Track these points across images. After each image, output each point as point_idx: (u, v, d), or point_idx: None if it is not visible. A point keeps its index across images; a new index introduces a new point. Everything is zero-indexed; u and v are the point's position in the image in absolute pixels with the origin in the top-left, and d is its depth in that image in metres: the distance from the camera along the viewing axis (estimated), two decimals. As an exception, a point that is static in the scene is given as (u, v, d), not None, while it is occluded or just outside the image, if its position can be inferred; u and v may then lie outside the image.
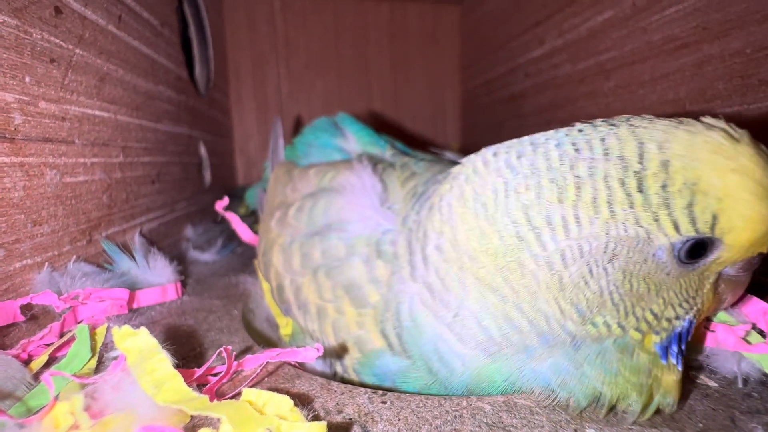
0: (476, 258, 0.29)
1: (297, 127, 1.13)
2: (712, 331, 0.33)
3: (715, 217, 0.25)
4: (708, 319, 0.34)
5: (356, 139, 0.56)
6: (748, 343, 0.32)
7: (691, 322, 0.28)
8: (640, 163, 0.25)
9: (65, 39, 0.44)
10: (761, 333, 0.32)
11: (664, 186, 0.25)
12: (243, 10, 1.23)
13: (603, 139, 0.27)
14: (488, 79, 1.16)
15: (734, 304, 0.34)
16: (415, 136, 1.36)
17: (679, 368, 0.28)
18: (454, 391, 0.33)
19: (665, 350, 0.28)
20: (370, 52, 1.31)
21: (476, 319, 0.30)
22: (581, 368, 0.28)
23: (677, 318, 0.28)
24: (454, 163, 0.35)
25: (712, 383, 0.31)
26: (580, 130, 0.28)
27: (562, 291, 0.27)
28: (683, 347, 0.28)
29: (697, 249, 0.26)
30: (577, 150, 0.27)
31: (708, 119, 0.27)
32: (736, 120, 0.27)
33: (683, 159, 0.25)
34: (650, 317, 0.27)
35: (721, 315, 0.34)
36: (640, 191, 0.25)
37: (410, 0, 1.30)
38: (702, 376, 0.32)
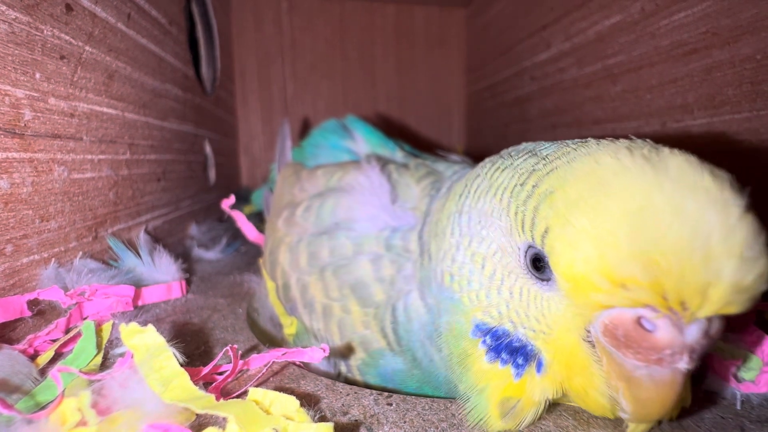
0: (440, 220, 0.34)
1: (304, 130, 1.14)
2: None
3: (546, 231, 0.23)
4: None
5: (365, 141, 0.56)
6: (737, 380, 0.31)
7: (526, 345, 0.26)
8: (543, 161, 0.26)
9: (75, 36, 0.44)
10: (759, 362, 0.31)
11: (534, 185, 0.25)
12: (250, 11, 1.23)
13: (541, 145, 0.29)
14: (494, 82, 1.15)
15: (738, 331, 0.33)
16: (420, 138, 1.36)
17: (500, 368, 0.26)
18: (438, 386, 0.34)
19: (484, 335, 0.27)
20: (376, 53, 1.31)
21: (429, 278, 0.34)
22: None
23: (510, 321, 0.26)
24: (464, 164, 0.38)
25: (720, 390, 0.31)
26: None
27: (443, 235, 0.33)
28: (519, 360, 0.26)
29: (538, 262, 0.24)
30: (518, 152, 0.30)
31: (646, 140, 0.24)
32: (746, 127, 0.27)
33: (568, 166, 0.24)
34: (482, 295, 0.28)
35: (718, 342, 0.32)
36: (522, 185, 0.26)
37: (416, 2, 1.30)
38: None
